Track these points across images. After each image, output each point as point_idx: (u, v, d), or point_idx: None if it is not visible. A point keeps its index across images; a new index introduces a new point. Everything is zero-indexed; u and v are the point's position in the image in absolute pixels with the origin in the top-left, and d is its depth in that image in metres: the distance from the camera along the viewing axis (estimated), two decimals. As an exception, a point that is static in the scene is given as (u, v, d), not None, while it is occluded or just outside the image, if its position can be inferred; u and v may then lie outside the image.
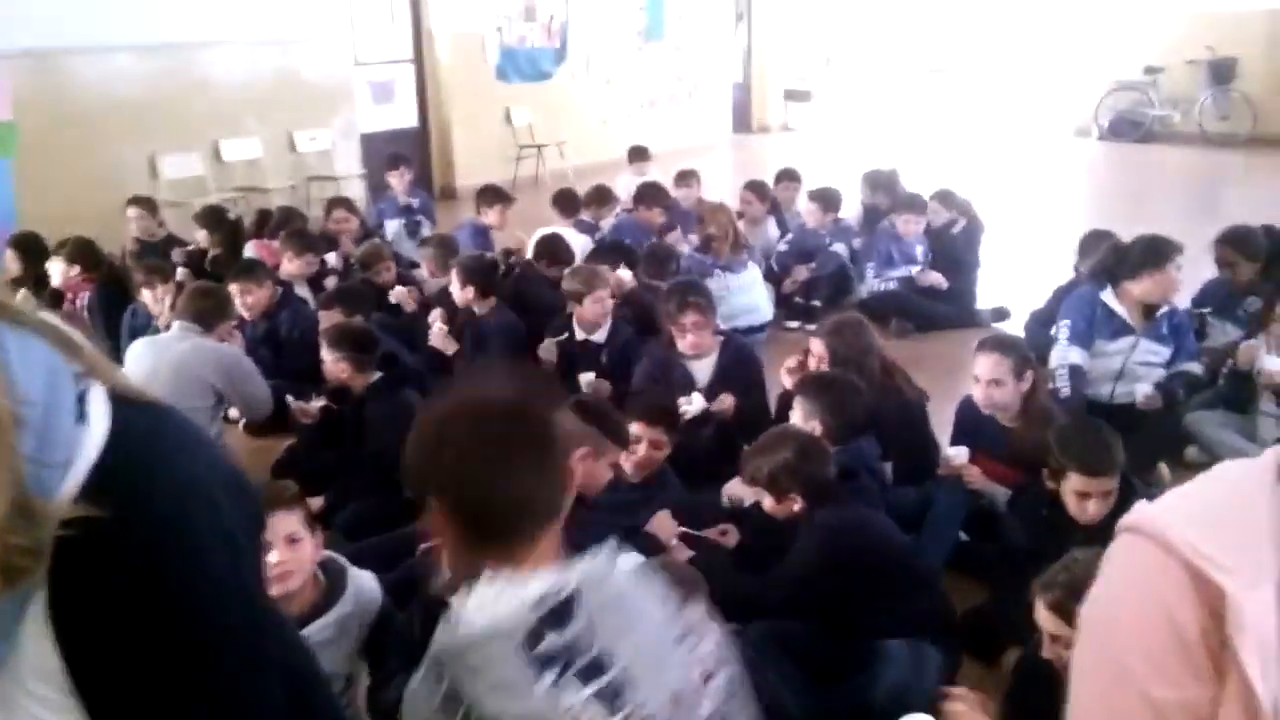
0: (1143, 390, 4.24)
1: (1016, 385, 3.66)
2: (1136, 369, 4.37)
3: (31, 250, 6.09)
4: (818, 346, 4.08)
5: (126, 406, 0.90)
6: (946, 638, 3.03)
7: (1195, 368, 4.44)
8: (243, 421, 4.99)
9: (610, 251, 6.10)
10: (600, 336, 4.90)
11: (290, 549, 2.59)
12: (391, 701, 2.50)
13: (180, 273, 6.11)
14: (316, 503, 3.97)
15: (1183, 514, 0.84)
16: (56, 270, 5.88)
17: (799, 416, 3.55)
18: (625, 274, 5.70)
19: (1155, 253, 4.36)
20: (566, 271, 5.26)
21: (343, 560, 3.01)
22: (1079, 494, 3.00)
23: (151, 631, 0.86)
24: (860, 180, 7.84)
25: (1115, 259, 4.55)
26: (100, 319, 5.66)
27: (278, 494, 2.67)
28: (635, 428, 3.56)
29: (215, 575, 0.90)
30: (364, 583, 2.99)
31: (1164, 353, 4.39)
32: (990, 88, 16.38)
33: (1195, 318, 4.90)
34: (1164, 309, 4.41)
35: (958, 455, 3.61)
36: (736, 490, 3.60)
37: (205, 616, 0.89)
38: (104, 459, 0.85)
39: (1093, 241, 5.22)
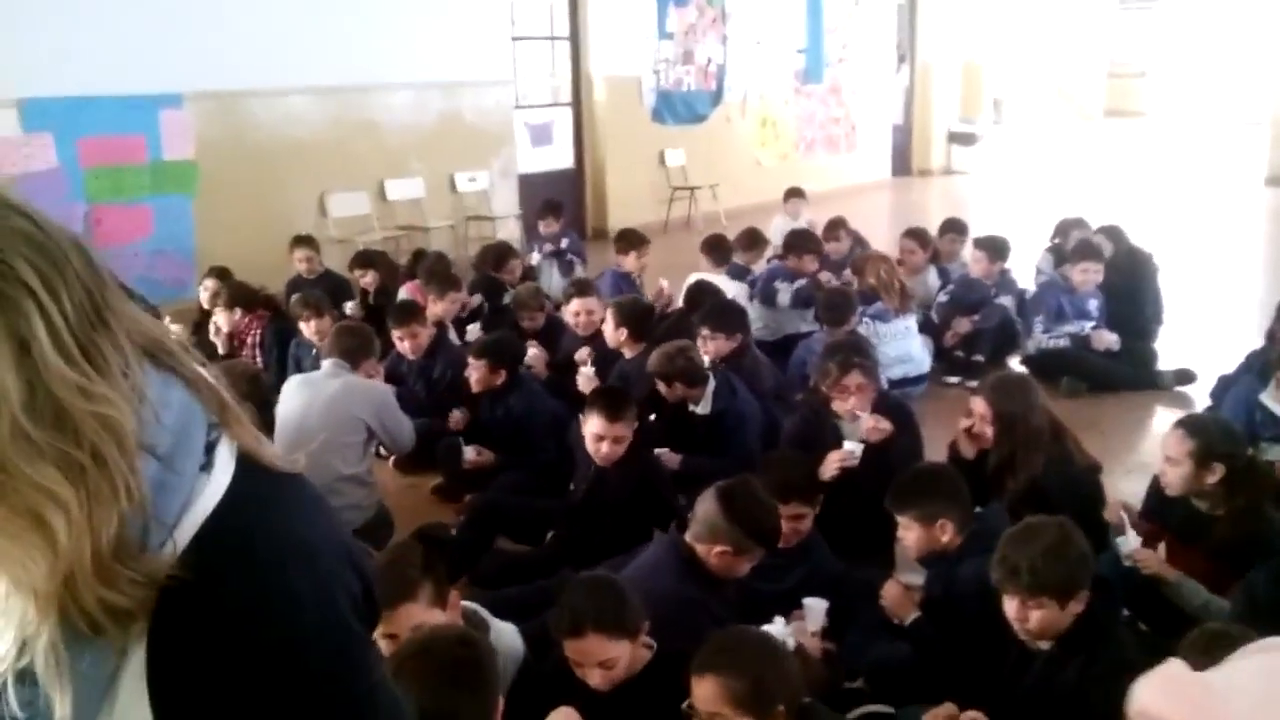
0: None
1: (1196, 472, 3.27)
2: None
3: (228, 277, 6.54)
4: (979, 405, 3.81)
5: (254, 467, 0.89)
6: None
7: None
8: (392, 458, 5.06)
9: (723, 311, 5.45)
10: (704, 408, 4.56)
11: None
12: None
13: (350, 308, 6.44)
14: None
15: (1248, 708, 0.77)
16: (224, 319, 6.11)
17: (914, 534, 3.18)
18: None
19: None
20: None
21: (485, 613, 2.93)
22: None
23: (249, 695, 0.83)
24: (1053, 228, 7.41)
25: (1275, 355, 4.09)
26: (274, 354, 5.95)
27: (401, 584, 2.52)
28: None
29: (317, 641, 0.86)
30: (506, 637, 2.89)
31: None
32: (1169, 131, 15.53)
33: None
34: None
35: (1125, 544, 3.25)
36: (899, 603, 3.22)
37: (305, 682, 0.85)
38: (218, 513, 0.85)
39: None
